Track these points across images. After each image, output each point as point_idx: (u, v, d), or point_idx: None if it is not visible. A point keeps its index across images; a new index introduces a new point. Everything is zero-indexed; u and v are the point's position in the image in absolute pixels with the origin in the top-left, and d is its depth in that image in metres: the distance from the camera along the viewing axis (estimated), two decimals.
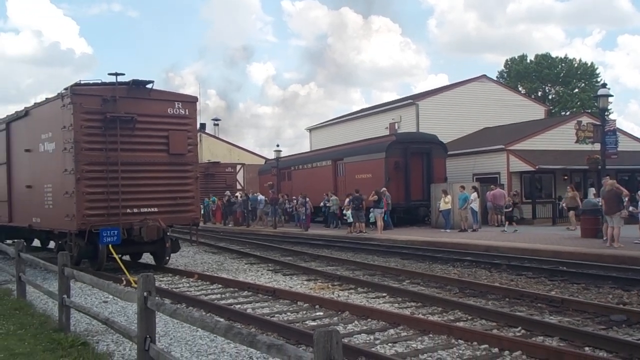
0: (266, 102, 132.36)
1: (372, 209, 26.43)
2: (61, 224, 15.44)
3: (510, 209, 25.51)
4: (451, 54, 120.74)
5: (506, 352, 7.44)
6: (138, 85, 15.48)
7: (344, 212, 28.04)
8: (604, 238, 18.38)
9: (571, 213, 24.84)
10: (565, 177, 32.51)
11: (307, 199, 30.85)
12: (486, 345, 7.74)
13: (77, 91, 14.73)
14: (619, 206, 17.93)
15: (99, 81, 15.50)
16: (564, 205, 26.16)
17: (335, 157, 34.27)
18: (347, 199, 27.93)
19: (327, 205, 31.10)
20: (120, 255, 15.05)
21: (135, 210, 15.32)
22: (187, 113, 16.22)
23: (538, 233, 23.40)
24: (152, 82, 15.65)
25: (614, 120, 24.40)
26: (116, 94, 14.96)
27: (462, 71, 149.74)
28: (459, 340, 8.07)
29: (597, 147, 23.62)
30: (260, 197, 35.99)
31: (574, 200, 24.60)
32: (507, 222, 24.94)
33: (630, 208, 20.61)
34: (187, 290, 13.11)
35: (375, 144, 31.18)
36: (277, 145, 35.86)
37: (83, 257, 15.78)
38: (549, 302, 10.48)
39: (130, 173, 15.22)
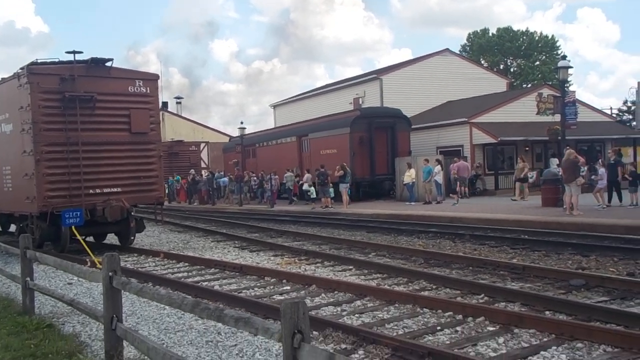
0: (230, 79, 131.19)
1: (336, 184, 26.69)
2: (22, 207, 15.18)
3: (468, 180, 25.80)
4: (414, 28, 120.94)
5: (469, 319, 7.61)
6: (97, 64, 15.17)
7: (305, 187, 28.23)
8: (564, 207, 18.83)
9: (518, 184, 25.31)
10: (527, 148, 33.07)
11: (275, 176, 30.82)
12: (450, 313, 7.91)
13: (34, 70, 14.40)
14: (575, 174, 18.39)
15: (57, 60, 15.17)
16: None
17: (300, 133, 34.23)
18: (305, 176, 28.32)
19: (283, 182, 31.18)
20: (83, 237, 14.91)
21: (98, 190, 15.12)
22: (148, 91, 15.98)
23: (499, 204, 23.82)
24: (111, 60, 15.38)
25: (574, 92, 24.96)
26: (75, 72, 14.64)
27: (425, 45, 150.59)
28: (424, 309, 8.22)
29: (557, 118, 24.05)
30: (224, 179, 35.84)
31: (521, 172, 25.09)
32: (454, 195, 25.28)
33: (592, 177, 21.15)
34: (154, 270, 13.05)
35: (339, 120, 31.23)
36: (241, 123, 35.81)
37: (45, 240, 15.55)
38: (511, 270, 10.74)
39: (92, 153, 14.99)
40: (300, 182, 30.74)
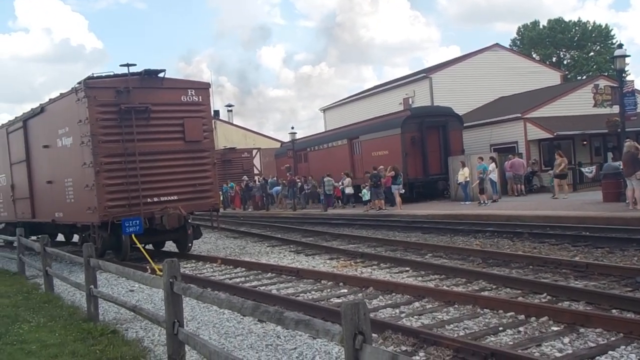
0: (279, 85, 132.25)
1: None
2: (83, 217, 15.61)
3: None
4: (462, 25, 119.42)
5: (532, 318, 7.43)
6: (150, 75, 15.51)
7: (347, 191, 28.23)
8: (627, 201, 18.20)
9: (556, 181, 24.41)
10: (585, 143, 32.16)
11: (331, 180, 30.80)
12: (512, 313, 7.73)
13: (91, 84, 14.81)
14: (636, 167, 17.71)
15: (112, 73, 15.56)
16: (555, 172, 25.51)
17: (350, 135, 34.18)
18: (346, 179, 28.50)
19: (325, 187, 31.27)
20: (143, 245, 15.21)
21: (156, 199, 15.43)
22: (200, 100, 16.24)
23: (557, 201, 23.20)
24: (164, 70, 15.69)
25: (632, 81, 24.06)
26: (129, 84, 15.00)
27: (473, 42, 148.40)
28: (485, 310, 8.07)
29: (615, 109, 23.30)
30: (277, 188, 36.06)
31: (559, 167, 24.21)
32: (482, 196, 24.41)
33: None
34: (212, 275, 13.23)
35: (390, 120, 31.03)
36: (292, 128, 36.11)
37: (107, 249, 15.96)
38: (574, 268, 10.43)
39: (148, 162, 15.31)
40: (342, 186, 30.77)
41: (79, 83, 15.17)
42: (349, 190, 30.40)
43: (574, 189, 28.70)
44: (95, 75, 15.34)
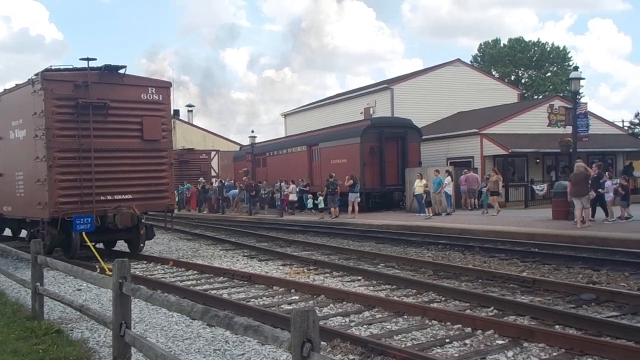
0: (241, 88, 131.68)
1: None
2: (33, 212, 15.27)
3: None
4: (425, 38, 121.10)
5: (479, 332, 7.57)
6: (110, 71, 15.28)
7: (291, 197, 28.47)
8: (575, 220, 18.71)
9: (493, 198, 24.96)
10: (538, 161, 32.96)
11: (287, 185, 30.87)
12: (459, 325, 7.87)
13: (48, 77, 14.52)
14: (586, 188, 18.33)
15: (71, 67, 15.29)
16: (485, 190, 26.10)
17: (310, 142, 34.26)
18: (291, 186, 28.97)
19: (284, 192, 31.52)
20: (93, 243, 14.94)
21: (109, 197, 15.18)
22: (160, 98, 16.07)
23: (510, 216, 23.70)
24: (124, 67, 15.48)
25: (585, 104, 24.85)
26: (88, 79, 14.75)
27: (436, 55, 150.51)
28: (433, 321, 8.19)
29: (568, 130, 23.96)
30: (234, 191, 35.89)
31: (496, 185, 24.77)
32: (428, 209, 24.86)
33: (599, 190, 21.01)
34: (163, 277, 13.08)
35: (350, 129, 31.24)
36: (252, 131, 35.91)
37: (56, 246, 15.62)
38: (521, 283, 10.67)
39: (104, 160, 15.06)
40: (285, 192, 31.14)
41: (36, 75, 14.86)
42: (292, 196, 30.79)
43: (525, 205, 29.35)
44: (53, 67, 15.07)
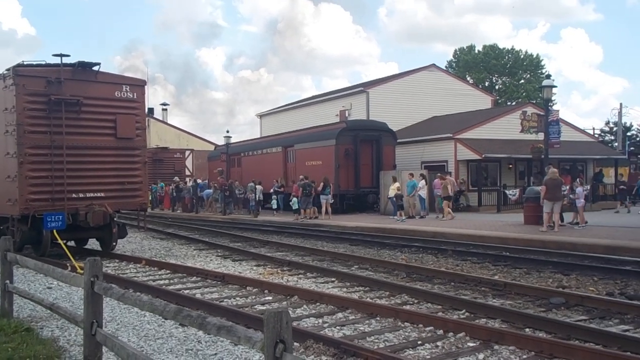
0: (217, 87, 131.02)
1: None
2: (3, 209, 15.02)
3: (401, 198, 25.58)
4: (401, 42, 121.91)
5: (450, 334, 7.64)
6: (84, 67, 15.13)
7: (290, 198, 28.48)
8: (548, 224, 18.99)
9: (445, 203, 25.17)
10: (510, 166, 33.35)
11: (258, 186, 30.86)
12: (431, 327, 7.93)
13: (20, 72, 14.31)
14: (562, 193, 18.69)
15: (43, 62, 15.09)
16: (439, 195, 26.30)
17: (285, 143, 34.25)
18: (257, 187, 29.19)
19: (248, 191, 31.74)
20: (65, 241, 14.75)
21: (81, 195, 15.01)
22: (135, 97, 15.94)
23: (483, 220, 23.96)
24: (98, 64, 15.34)
25: (557, 111, 25.20)
26: (61, 75, 14.57)
27: (412, 60, 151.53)
28: (406, 323, 8.23)
29: (541, 136, 24.29)
30: (208, 191, 35.74)
31: (446, 190, 25.04)
32: (400, 212, 24.93)
33: (570, 196, 21.40)
34: (135, 276, 12.95)
35: (325, 131, 31.31)
36: (227, 131, 35.83)
37: (26, 243, 15.40)
38: (493, 286, 10.79)
39: (76, 157, 14.89)
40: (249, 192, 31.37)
41: (7, 70, 14.65)
42: (258, 196, 30.95)
43: (497, 210, 29.69)
44: (25, 62, 14.86)
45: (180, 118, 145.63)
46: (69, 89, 14.70)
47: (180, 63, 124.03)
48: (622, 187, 28.74)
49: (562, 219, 20.02)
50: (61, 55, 14.72)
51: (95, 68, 15.32)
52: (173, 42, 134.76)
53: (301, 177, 27.65)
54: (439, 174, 28.86)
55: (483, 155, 30.59)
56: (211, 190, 35.55)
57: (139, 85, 16.28)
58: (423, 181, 26.27)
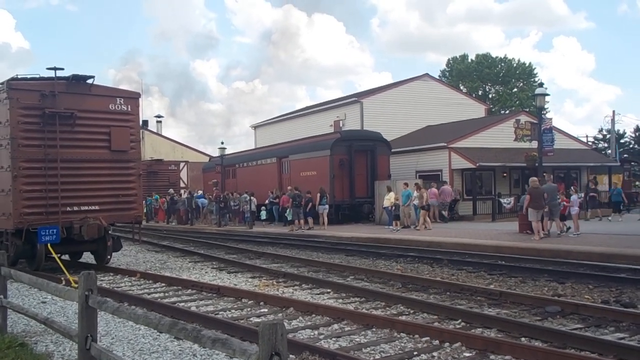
0: (211, 99, 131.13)
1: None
2: None
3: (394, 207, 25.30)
4: (394, 52, 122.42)
5: (446, 344, 7.63)
6: (78, 80, 15.15)
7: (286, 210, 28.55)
8: (544, 231, 19.10)
9: (423, 212, 24.54)
10: (505, 175, 33.41)
11: (252, 198, 30.88)
12: (427, 338, 7.92)
13: (14, 86, 14.32)
14: (543, 202, 18.99)
15: (37, 76, 15.10)
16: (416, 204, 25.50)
17: (280, 154, 34.27)
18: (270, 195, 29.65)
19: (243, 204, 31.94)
20: (59, 255, 14.70)
21: (76, 208, 14.97)
22: (129, 109, 15.94)
23: (477, 228, 23.98)
24: (92, 77, 15.36)
25: (550, 119, 25.34)
26: (55, 89, 14.58)
27: (405, 70, 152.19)
28: (402, 334, 8.22)
29: (534, 144, 24.38)
30: (203, 199, 35.75)
31: (421, 199, 24.66)
32: (395, 222, 24.73)
33: (564, 203, 21.47)
34: (129, 290, 12.90)
35: (320, 142, 31.34)
36: (222, 143, 35.78)
37: (20, 257, 15.30)
38: (488, 295, 10.79)
39: (71, 170, 14.88)
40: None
41: (1, 84, 14.65)
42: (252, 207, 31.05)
43: (492, 218, 29.73)
44: (19, 76, 14.87)
45: (176, 130, 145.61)
46: (63, 102, 14.70)
47: (175, 74, 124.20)
48: (592, 194, 28.63)
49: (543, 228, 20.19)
50: (55, 69, 14.75)
51: (90, 81, 15.33)
52: (168, 54, 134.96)
53: (289, 188, 27.78)
54: (432, 183, 28.92)
55: (477, 164, 30.66)
56: (205, 199, 35.57)
57: (133, 97, 16.30)
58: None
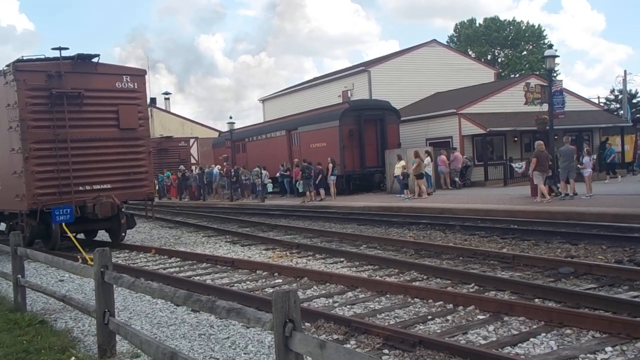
0: (218, 74, 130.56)
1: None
2: (11, 205, 15.13)
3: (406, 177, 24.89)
4: (401, 19, 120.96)
5: (460, 308, 7.68)
6: (84, 60, 15.12)
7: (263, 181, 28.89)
8: (562, 193, 19.14)
9: (419, 181, 24.02)
10: (516, 139, 33.20)
11: (264, 171, 30.96)
12: (441, 302, 7.97)
13: (21, 67, 14.32)
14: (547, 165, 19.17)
15: (43, 56, 15.08)
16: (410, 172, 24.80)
17: (289, 127, 34.20)
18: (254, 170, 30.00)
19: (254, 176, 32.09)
20: (74, 234, 14.85)
21: (88, 187, 15.09)
22: (136, 87, 15.94)
23: (489, 194, 23.94)
24: (98, 55, 15.32)
25: (561, 81, 24.98)
26: (61, 69, 14.58)
27: (412, 37, 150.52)
28: (415, 299, 8.28)
29: (545, 107, 24.15)
30: (216, 170, 35.85)
31: (419, 168, 24.07)
32: (406, 191, 24.46)
33: (579, 165, 21.38)
34: (145, 265, 13.05)
35: (328, 113, 31.22)
36: (230, 117, 35.75)
37: (36, 237, 15.52)
38: (501, 259, 10.81)
39: (81, 150, 14.95)
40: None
41: (7, 66, 14.66)
42: (266, 181, 31.31)
43: (504, 183, 29.63)
44: (25, 58, 14.85)
45: (184, 106, 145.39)
46: (70, 82, 14.71)
47: (182, 50, 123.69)
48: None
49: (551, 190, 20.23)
50: (60, 49, 14.72)
51: (95, 60, 15.31)
52: (174, 29, 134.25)
53: (295, 160, 27.79)
54: (442, 150, 28.80)
55: (488, 130, 30.44)
56: (217, 170, 35.69)
57: (139, 75, 16.27)
58: (428, 158, 26.20)
